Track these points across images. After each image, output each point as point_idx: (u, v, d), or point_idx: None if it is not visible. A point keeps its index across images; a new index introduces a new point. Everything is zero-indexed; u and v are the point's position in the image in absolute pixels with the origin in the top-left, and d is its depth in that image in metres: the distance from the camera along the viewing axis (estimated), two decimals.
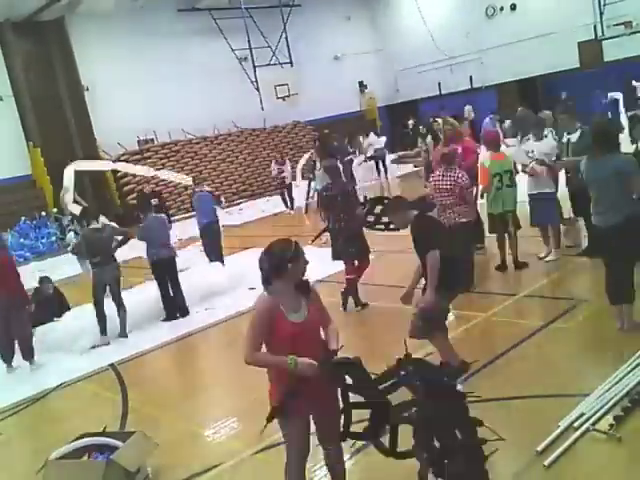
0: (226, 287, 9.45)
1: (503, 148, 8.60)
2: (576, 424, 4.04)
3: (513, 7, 23.20)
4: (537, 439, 3.97)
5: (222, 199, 13.44)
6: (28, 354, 7.43)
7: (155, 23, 20.96)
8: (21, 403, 6.40)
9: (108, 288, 8.06)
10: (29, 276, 10.31)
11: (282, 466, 3.49)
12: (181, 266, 9.34)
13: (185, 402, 5.88)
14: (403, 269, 9.10)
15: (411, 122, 24.34)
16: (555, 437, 3.94)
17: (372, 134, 20.88)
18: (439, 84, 24.87)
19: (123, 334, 8.02)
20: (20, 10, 18.16)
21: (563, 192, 7.90)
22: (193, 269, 10.04)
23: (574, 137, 7.31)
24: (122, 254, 8.97)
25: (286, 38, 22.11)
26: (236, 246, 11.98)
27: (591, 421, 4.03)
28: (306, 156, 19.93)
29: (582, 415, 4.11)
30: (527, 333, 5.74)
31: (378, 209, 7.34)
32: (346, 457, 4.23)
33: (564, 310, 6.19)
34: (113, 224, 9.58)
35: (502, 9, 23.51)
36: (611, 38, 19.65)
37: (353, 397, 3.34)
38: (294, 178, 18.62)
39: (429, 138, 13.63)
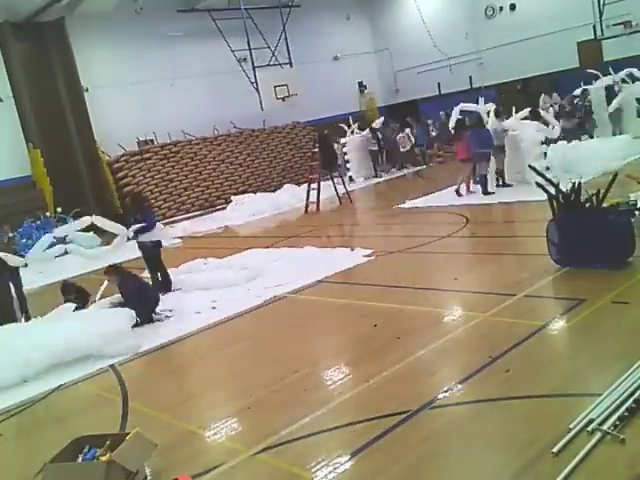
0: (225, 287, 9.46)
1: None
2: (589, 427, 4.00)
3: (512, 7, 23.23)
4: (537, 439, 3.97)
5: None
6: None
7: (154, 24, 20.98)
8: (22, 404, 6.39)
9: None
10: (28, 276, 10.36)
11: (282, 466, 3.47)
12: None
13: (185, 403, 5.87)
14: (402, 269, 9.17)
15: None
16: (567, 440, 3.89)
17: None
18: (439, 84, 24.90)
19: None
20: (20, 11, 18.20)
21: None
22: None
23: None
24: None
25: (285, 39, 22.12)
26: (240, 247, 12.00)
27: (598, 421, 4.00)
28: None
29: (592, 419, 4.06)
30: (527, 333, 5.74)
31: None
32: (347, 457, 4.23)
33: (564, 310, 6.18)
34: None
35: (502, 9, 23.55)
36: (611, 38, 19.66)
37: None
38: None
39: None
